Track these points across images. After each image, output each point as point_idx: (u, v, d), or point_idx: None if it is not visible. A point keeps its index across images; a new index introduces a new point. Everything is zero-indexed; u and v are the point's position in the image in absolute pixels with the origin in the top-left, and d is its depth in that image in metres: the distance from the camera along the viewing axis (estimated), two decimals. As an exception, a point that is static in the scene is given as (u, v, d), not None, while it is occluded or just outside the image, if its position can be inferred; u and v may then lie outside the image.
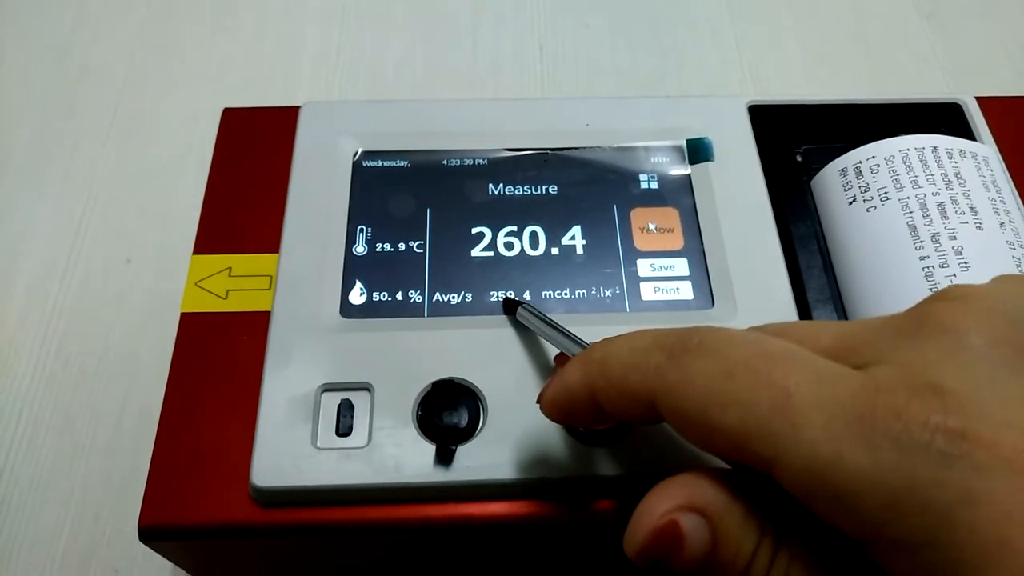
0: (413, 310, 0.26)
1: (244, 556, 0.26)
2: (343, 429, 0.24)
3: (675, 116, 0.30)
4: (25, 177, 0.42)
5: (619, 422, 0.21)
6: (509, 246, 0.28)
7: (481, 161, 0.29)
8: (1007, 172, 0.27)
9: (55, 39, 0.47)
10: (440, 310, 0.26)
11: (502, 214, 0.28)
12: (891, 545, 0.14)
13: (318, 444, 0.24)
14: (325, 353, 0.25)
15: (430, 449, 0.23)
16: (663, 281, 0.27)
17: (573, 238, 0.28)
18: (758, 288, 0.26)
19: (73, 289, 0.39)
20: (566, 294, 0.27)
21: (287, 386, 0.25)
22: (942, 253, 0.25)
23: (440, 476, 0.23)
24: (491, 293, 0.27)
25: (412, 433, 0.24)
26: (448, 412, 0.24)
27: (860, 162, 0.27)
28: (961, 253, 0.24)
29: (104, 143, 0.43)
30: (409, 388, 0.24)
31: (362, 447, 0.24)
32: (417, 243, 0.28)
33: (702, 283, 0.27)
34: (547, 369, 0.25)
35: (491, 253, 0.28)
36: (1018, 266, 0.24)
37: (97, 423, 0.35)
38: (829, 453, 0.15)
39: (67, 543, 0.32)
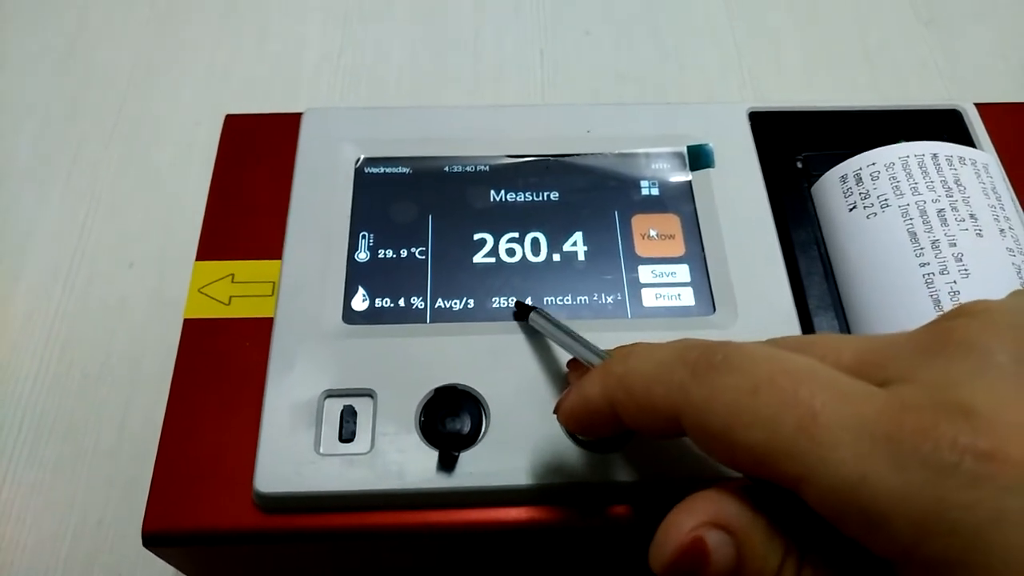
0: (415, 316, 0.26)
1: (247, 562, 0.26)
2: (346, 435, 0.24)
3: (676, 123, 0.30)
4: (28, 181, 0.42)
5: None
6: (511, 252, 0.28)
7: (483, 167, 0.29)
8: (1007, 179, 0.28)
9: (58, 43, 0.47)
10: (442, 316, 0.26)
11: (504, 220, 0.28)
12: (921, 565, 0.14)
13: (321, 450, 0.24)
14: (328, 359, 0.25)
15: (433, 455, 0.24)
16: (664, 287, 0.27)
17: (575, 244, 0.28)
18: (759, 294, 0.27)
19: (76, 293, 0.39)
20: (568, 300, 0.27)
21: (290, 392, 0.25)
22: (942, 260, 0.25)
23: (443, 482, 0.23)
24: (493, 299, 0.27)
25: (415, 439, 0.24)
26: (451, 418, 0.24)
27: (860, 169, 0.27)
28: (961, 260, 0.25)
29: (107, 147, 0.43)
30: (412, 394, 0.25)
31: (365, 453, 0.24)
32: (419, 249, 0.28)
33: (703, 289, 0.27)
34: (551, 375, 0.25)
35: (493, 259, 0.28)
36: (1018, 273, 0.24)
37: (99, 428, 0.35)
38: (857, 473, 0.15)
39: (69, 548, 0.33)
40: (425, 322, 0.26)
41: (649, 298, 0.27)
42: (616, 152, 0.30)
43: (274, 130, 0.30)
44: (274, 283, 0.27)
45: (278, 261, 0.27)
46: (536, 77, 0.46)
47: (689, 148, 0.30)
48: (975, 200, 0.26)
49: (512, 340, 0.26)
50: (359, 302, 0.27)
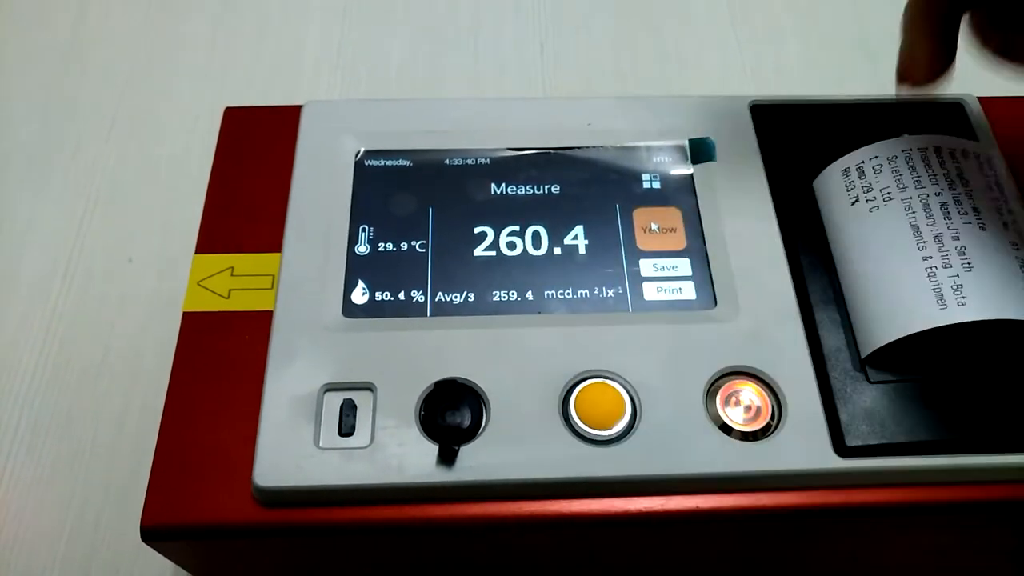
0: (416, 310, 0.26)
1: (246, 556, 0.26)
2: (345, 429, 0.24)
3: (677, 116, 0.30)
4: (26, 177, 0.42)
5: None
6: (512, 246, 0.28)
7: (483, 160, 0.29)
8: (1009, 172, 0.27)
9: (56, 39, 0.47)
10: (443, 310, 0.26)
11: (504, 213, 0.28)
12: None
13: (320, 444, 0.24)
14: (327, 353, 0.25)
15: (433, 449, 0.23)
16: (665, 281, 0.27)
17: (576, 238, 0.28)
18: (760, 288, 0.26)
19: (74, 289, 0.39)
20: (568, 294, 0.27)
21: (289, 386, 0.25)
22: (945, 253, 0.24)
23: (443, 476, 0.23)
24: (494, 293, 0.27)
25: (415, 433, 0.24)
26: (451, 412, 0.24)
27: (863, 162, 0.27)
28: (964, 253, 0.24)
29: (106, 143, 0.43)
30: (412, 388, 0.24)
31: (364, 447, 0.24)
32: (419, 243, 0.28)
33: (704, 283, 0.27)
34: (551, 368, 0.25)
35: (493, 252, 0.28)
36: (1022, 266, 0.24)
37: (98, 424, 0.35)
38: None
39: (68, 545, 0.32)
40: (425, 315, 0.26)
41: (650, 292, 0.27)
42: (617, 145, 0.30)
43: (274, 123, 0.30)
44: (274, 276, 0.27)
45: (278, 254, 0.27)
46: (536, 70, 0.46)
47: (691, 141, 0.30)
48: (978, 193, 0.26)
49: (513, 334, 0.26)
50: (359, 295, 0.27)
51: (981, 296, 0.23)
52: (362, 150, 0.29)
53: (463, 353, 0.25)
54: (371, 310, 0.26)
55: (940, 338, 0.24)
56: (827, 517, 0.24)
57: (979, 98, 0.30)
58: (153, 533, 0.23)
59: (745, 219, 0.28)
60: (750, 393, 0.25)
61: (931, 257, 0.25)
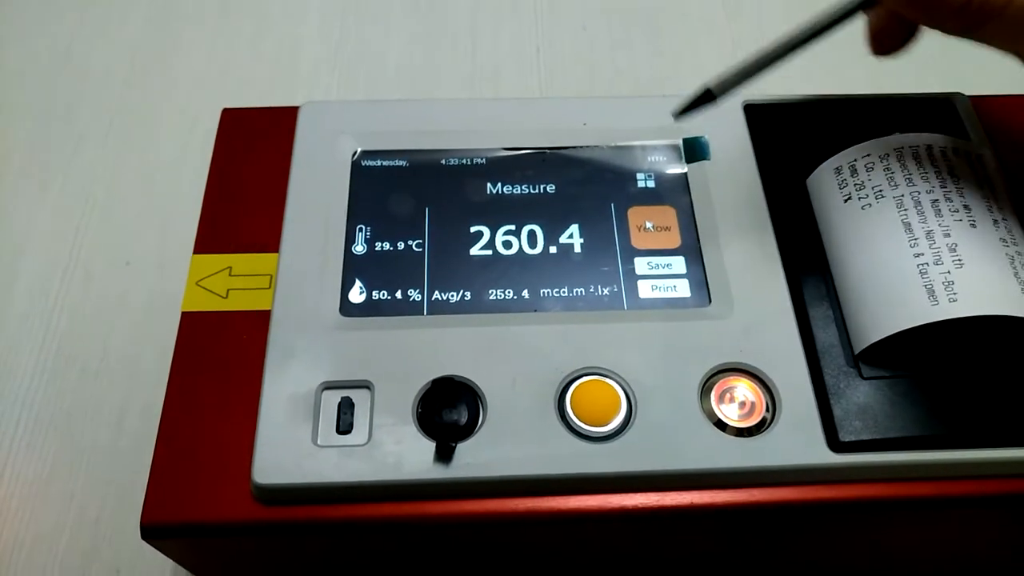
0: (412, 308, 0.27)
1: (245, 553, 0.26)
2: (343, 427, 0.24)
3: (671, 115, 0.30)
4: (25, 179, 0.42)
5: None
6: (508, 244, 0.28)
7: (479, 160, 0.30)
8: (1000, 170, 0.28)
9: (55, 41, 0.47)
10: (439, 308, 0.27)
11: (501, 213, 0.28)
12: None
13: (319, 442, 0.24)
14: (325, 351, 0.25)
15: (430, 446, 0.24)
16: (660, 279, 0.27)
17: (571, 236, 0.28)
18: (754, 285, 0.27)
19: (73, 290, 0.39)
20: (564, 292, 0.27)
21: (288, 384, 0.25)
22: (936, 250, 0.25)
23: (440, 473, 0.23)
24: (490, 291, 0.27)
25: (412, 431, 0.24)
26: (448, 410, 0.24)
27: (855, 160, 0.27)
28: (955, 250, 0.25)
29: (104, 145, 0.43)
30: (409, 386, 0.25)
31: (362, 445, 0.24)
32: (416, 242, 0.28)
33: (699, 281, 0.27)
34: (547, 366, 0.25)
35: (490, 252, 0.28)
36: (1011, 263, 0.25)
37: (98, 424, 0.35)
38: None
39: (68, 543, 0.33)
40: (422, 314, 0.26)
41: (645, 290, 0.27)
42: (612, 144, 0.30)
43: (271, 124, 0.30)
44: (271, 276, 0.27)
45: (275, 254, 0.27)
46: (533, 72, 0.46)
47: (685, 140, 0.30)
48: (969, 191, 0.26)
49: (509, 332, 0.26)
50: (356, 294, 0.27)
51: (972, 292, 0.24)
52: (359, 150, 0.30)
53: (460, 351, 0.25)
54: (368, 309, 0.27)
55: (932, 334, 0.24)
56: (821, 512, 0.24)
57: (970, 96, 0.31)
58: (153, 531, 0.23)
59: (739, 217, 0.28)
60: (744, 390, 0.25)
61: (923, 254, 0.25)
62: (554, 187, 0.29)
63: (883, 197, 0.26)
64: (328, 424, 0.24)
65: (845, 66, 0.46)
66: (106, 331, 0.37)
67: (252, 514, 0.23)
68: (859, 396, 0.24)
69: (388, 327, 0.26)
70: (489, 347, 0.25)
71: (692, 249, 0.28)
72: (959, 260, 0.24)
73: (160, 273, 0.39)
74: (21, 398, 0.36)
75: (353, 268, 0.27)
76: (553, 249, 0.28)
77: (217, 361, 0.26)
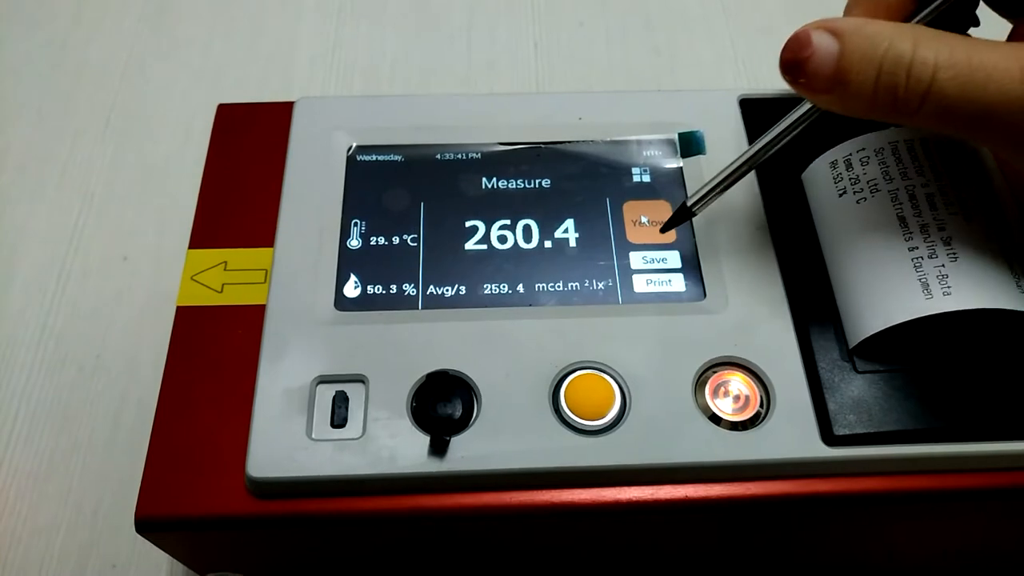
0: (407, 303, 0.27)
1: (240, 547, 0.26)
2: (338, 421, 0.24)
3: (667, 110, 0.30)
4: (22, 175, 0.42)
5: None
6: (503, 239, 0.28)
7: (475, 155, 0.30)
8: (995, 164, 0.28)
9: (52, 36, 0.47)
10: (434, 303, 0.27)
11: (496, 207, 0.28)
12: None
13: (313, 436, 0.24)
14: (320, 346, 0.25)
15: (424, 440, 0.24)
16: (655, 273, 0.27)
17: (566, 231, 0.28)
18: (749, 280, 0.27)
19: (70, 287, 0.39)
20: (559, 287, 0.27)
21: (282, 378, 0.25)
22: (931, 244, 0.25)
23: (434, 467, 0.23)
24: (485, 286, 0.27)
25: (406, 424, 0.24)
26: (442, 403, 0.24)
27: (850, 154, 0.27)
28: (950, 244, 0.25)
29: (101, 141, 0.43)
30: (403, 380, 0.25)
31: (357, 438, 0.24)
32: (411, 236, 0.28)
33: (694, 275, 0.27)
34: (541, 360, 0.25)
35: (485, 246, 0.28)
36: (1006, 257, 0.25)
37: (95, 419, 0.35)
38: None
39: (65, 538, 0.33)
40: (417, 308, 0.26)
41: (640, 284, 0.27)
42: (607, 139, 0.30)
43: (267, 119, 0.30)
44: (266, 270, 0.27)
45: (270, 249, 0.27)
46: (530, 68, 0.46)
47: (680, 135, 0.30)
48: (964, 185, 0.26)
49: (503, 326, 0.26)
50: (351, 289, 0.27)
51: (966, 286, 0.24)
52: (354, 145, 0.30)
53: (454, 345, 0.25)
54: (363, 303, 0.27)
55: (926, 328, 0.24)
56: (815, 506, 0.24)
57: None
58: (148, 524, 0.23)
59: (734, 212, 0.28)
60: (739, 383, 0.25)
61: (917, 248, 0.25)
62: (549, 182, 0.29)
63: (878, 191, 0.26)
64: (323, 418, 0.24)
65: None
66: (104, 325, 0.38)
67: (247, 508, 0.23)
68: (853, 390, 0.24)
69: (383, 321, 0.26)
70: (484, 341, 0.25)
71: (687, 244, 0.28)
72: (953, 254, 0.24)
73: (157, 268, 0.39)
74: (19, 392, 0.36)
75: (348, 262, 0.27)
76: (548, 244, 0.28)
77: (212, 355, 0.26)
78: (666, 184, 0.29)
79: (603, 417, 0.24)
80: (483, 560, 0.28)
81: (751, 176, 0.29)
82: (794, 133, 0.26)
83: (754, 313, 0.26)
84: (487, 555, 0.27)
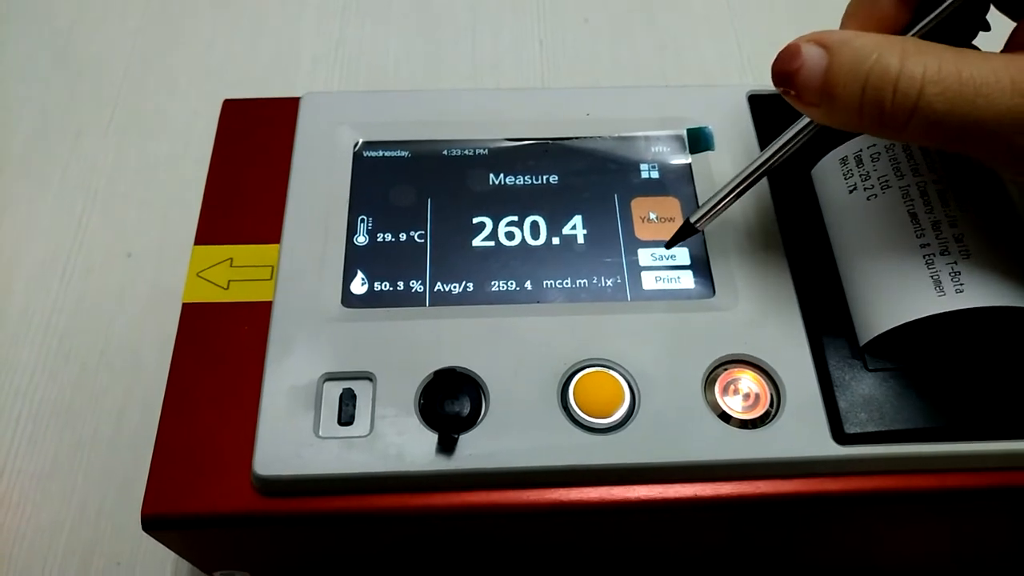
0: (415, 300, 0.26)
1: (247, 545, 0.26)
2: (345, 418, 0.24)
3: (676, 106, 0.30)
4: (25, 171, 0.42)
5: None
6: (510, 236, 0.28)
7: (482, 151, 0.29)
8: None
9: (55, 33, 0.47)
10: (441, 299, 0.26)
11: (503, 204, 0.28)
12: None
13: (320, 433, 0.24)
14: (327, 343, 0.25)
15: (432, 438, 0.24)
16: (664, 270, 0.27)
17: (574, 228, 0.28)
18: (759, 277, 0.26)
19: (74, 284, 0.39)
20: (567, 283, 0.27)
21: (289, 375, 0.25)
22: (943, 241, 0.24)
23: (442, 465, 0.23)
24: (492, 283, 0.27)
25: (414, 422, 0.24)
26: (450, 401, 0.24)
27: (861, 150, 0.27)
28: (962, 240, 0.24)
29: (104, 137, 0.43)
30: (411, 377, 0.24)
31: (364, 436, 0.24)
32: (418, 233, 0.28)
33: (703, 272, 0.27)
34: (550, 357, 0.25)
35: (492, 243, 0.28)
36: (1018, 254, 0.24)
37: (99, 417, 0.35)
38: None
39: (69, 536, 0.33)
40: (424, 305, 0.26)
41: (649, 281, 0.27)
42: (615, 135, 0.30)
43: (272, 115, 0.30)
44: (273, 267, 0.27)
45: (276, 245, 0.27)
46: (535, 65, 0.46)
47: (689, 131, 0.30)
48: (975, 180, 0.26)
49: (511, 323, 0.26)
50: (358, 286, 0.27)
51: (979, 283, 0.23)
52: (360, 141, 0.29)
53: (462, 342, 0.25)
54: (370, 300, 0.26)
55: (938, 325, 0.24)
56: (826, 504, 0.24)
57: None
58: (153, 522, 0.23)
59: (743, 208, 0.28)
60: (748, 381, 0.25)
61: (929, 244, 0.25)
62: (557, 178, 0.29)
63: (889, 187, 0.26)
64: (330, 415, 0.24)
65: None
66: (107, 323, 0.37)
67: (253, 505, 0.23)
68: (864, 388, 0.24)
69: (390, 318, 0.26)
70: (491, 338, 0.25)
71: (696, 240, 0.28)
72: (965, 250, 0.24)
73: (162, 265, 0.39)
74: (23, 391, 0.36)
75: (355, 259, 0.27)
76: (556, 240, 0.28)
77: (218, 352, 0.26)
78: (675, 180, 0.29)
79: (612, 415, 0.24)
80: (491, 559, 0.28)
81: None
82: (796, 145, 0.26)
83: (764, 310, 0.26)
84: (495, 554, 0.27)
